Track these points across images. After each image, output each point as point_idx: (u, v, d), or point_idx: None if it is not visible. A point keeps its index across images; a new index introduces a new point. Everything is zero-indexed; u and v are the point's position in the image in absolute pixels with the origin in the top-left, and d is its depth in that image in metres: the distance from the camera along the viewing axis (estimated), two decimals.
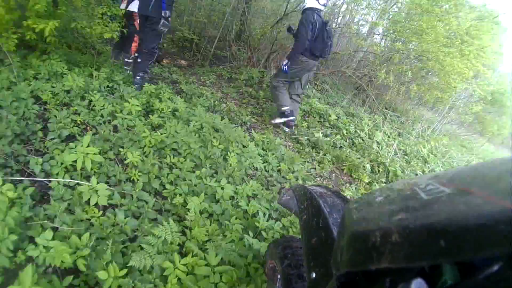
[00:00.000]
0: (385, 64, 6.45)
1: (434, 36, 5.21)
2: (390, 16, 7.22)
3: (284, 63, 4.37)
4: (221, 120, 3.78)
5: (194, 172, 2.67)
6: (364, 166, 4.96)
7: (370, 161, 5.38)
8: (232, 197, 2.57)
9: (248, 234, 2.19)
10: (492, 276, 0.43)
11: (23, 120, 2.48)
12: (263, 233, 2.27)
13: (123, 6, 4.24)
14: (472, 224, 0.40)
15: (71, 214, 1.85)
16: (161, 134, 2.94)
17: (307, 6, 4.18)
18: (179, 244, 1.85)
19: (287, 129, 4.93)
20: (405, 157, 6.38)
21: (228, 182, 2.70)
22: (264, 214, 2.49)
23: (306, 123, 5.64)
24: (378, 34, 8.15)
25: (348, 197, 3.97)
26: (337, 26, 7.33)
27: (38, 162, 2.14)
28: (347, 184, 4.42)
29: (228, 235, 2.07)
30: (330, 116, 6.22)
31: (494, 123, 8.96)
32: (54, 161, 2.21)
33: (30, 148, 2.36)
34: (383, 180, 4.94)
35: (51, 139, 2.47)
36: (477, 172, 0.54)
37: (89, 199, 1.94)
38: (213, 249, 1.76)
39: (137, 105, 3.21)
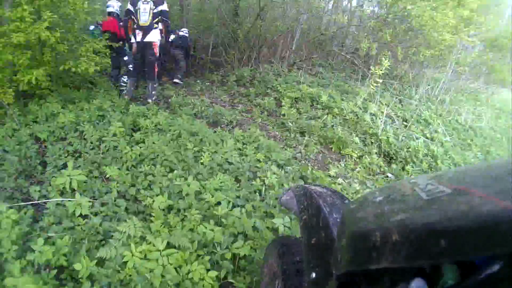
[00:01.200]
0: (366, 34, 6.56)
1: None
2: None
3: None
4: (203, 124, 4.23)
5: (167, 175, 3.17)
6: (353, 141, 5.11)
7: (363, 134, 5.53)
8: (199, 192, 3.02)
9: (209, 223, 2.60)
10: (492, 276, 0.43)
11: (25, 159, 3.14)
12: (223, 220, 2.68)
13: (138, 38, 4.79)
14: (472, 224, 0.41)
15: (60, 225, 2.43)
16: (140, 147, 3.47)
17: None
18: (141, 237, 2.35)
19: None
20: (404, 123, 6.40)
21: (198, 179, 3.16)
22: (229, 203, 2.90)
23: (295, 109, 5.90)
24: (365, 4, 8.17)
25: (335, 173, 4.26)
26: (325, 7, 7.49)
27: (36, 190, 2.76)
28: (335, 162, 4.64)
29: (187, 224, 2.54)
30: (321, 97, 6.41)
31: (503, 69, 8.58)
32: (50, 187, 2.82)
33: (33, 180, 3.00)
34: (375, 151, 5.06)
35: (50, 169, 3.08)
36: (477, 172, 0.56)
37: (74, 211, 2.51)
38: (163, 237, 2.24)
39: (121, 127, 3.77)
